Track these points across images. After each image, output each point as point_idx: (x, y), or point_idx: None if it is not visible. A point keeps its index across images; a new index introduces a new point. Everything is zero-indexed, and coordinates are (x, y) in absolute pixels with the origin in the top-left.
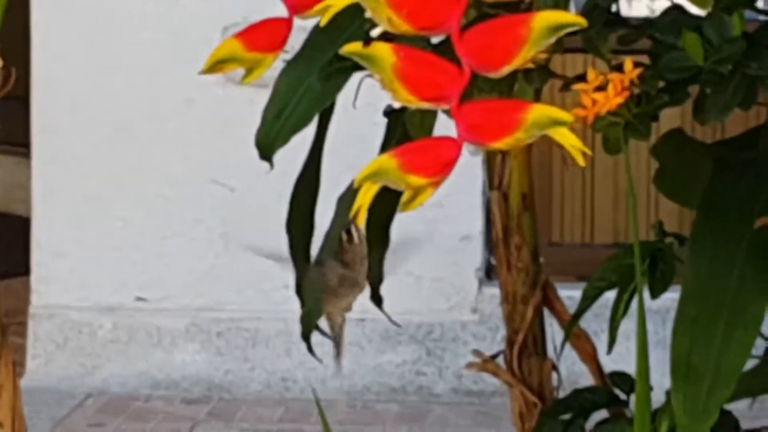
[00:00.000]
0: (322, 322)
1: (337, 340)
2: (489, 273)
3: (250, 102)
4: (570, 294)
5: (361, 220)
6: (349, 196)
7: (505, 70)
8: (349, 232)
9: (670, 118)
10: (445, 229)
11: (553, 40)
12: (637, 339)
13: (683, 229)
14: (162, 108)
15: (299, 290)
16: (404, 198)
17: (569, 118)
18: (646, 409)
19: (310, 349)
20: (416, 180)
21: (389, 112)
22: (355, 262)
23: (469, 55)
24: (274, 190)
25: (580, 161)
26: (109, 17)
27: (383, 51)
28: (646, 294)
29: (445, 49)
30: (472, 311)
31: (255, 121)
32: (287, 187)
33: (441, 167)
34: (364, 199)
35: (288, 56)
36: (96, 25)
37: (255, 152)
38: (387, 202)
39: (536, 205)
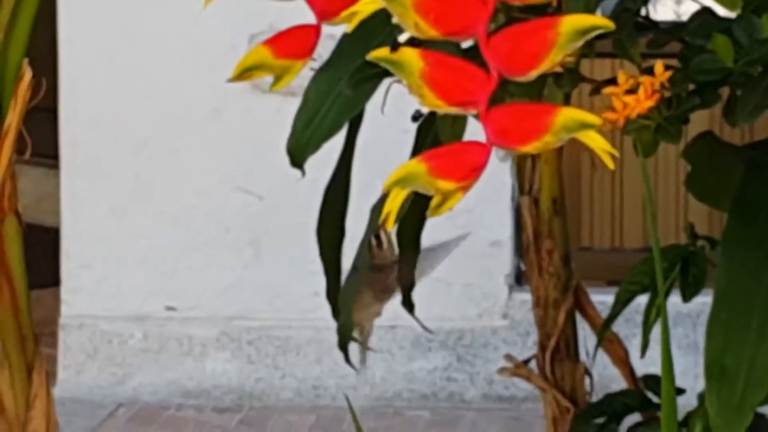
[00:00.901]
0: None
1: (363, 347)
2: (519, 278)
3: (278, 110)
4: (600, 299)
5: (391, 225)
6: (380, 205)
7: (533, 74)
8: (378, 238)
9: (697, 121)
10: (475, 234)
11: (581, 43)
12: (662, 343)
13: (713, 232)
14: (188, 118)
15: (330, 297)
16: (433, 203)
17: (598, 121)
18: (672, 412)
19: (347, 359)
20: (445, 184)
21: (417, 117)
22: (384, 267)
23: (497, 60)
24: (302, 198)
25: (609, 164)
26: (135, 29)
27: (411, 56)
28: (677, 298)
29: (474, 54)
30: (502, 317)
31: (282, 130)
32: (316, 195)
33: (470, 171)
34: (393, 205)
35: (316, 64)
36: (122, 36)
37: (283, 160)
38: (418, 208)
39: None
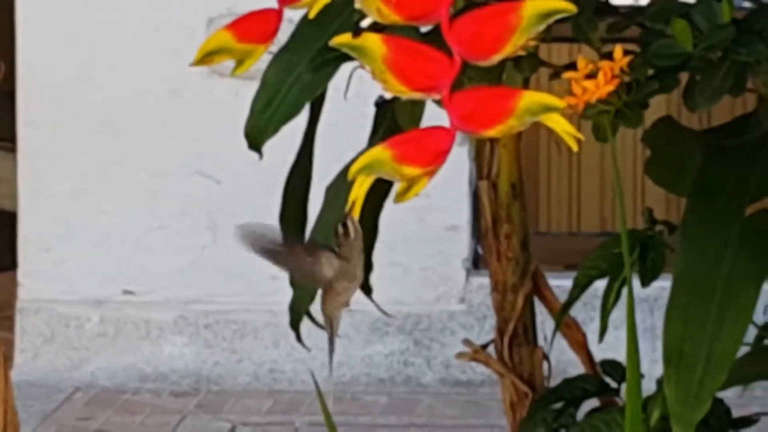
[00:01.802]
0: (312, 311)
1: (331, 337)
2: (476, 263)
3: (236, 94)
4: (557, 283)
5: (357, 212)
6: (337, 186)
7: (496, 58)
8: (345, 226)
9: (655, 106)
10: (432, 219)
11: (543, 27)
12: (627, 328)
13: (670, 217)
14: (146, 100)
15: (293, 282)
16: (399, 189)
17: (561, 104)
18: (637, 398)
19: (299, 338)
20: (411, 170)
21: (381, 104)
22: (352, 255)
23: (460, 44)
24: (260, 182)
25: (573, 147)
26: (93, 10)
27: (373, 42)
28: (636, 282)
29: (433, 38)
30: (459, 301)
31: (241, 113)
32: (273, 178)
33: (435, 157)
34: (359, 192)
35: (274, 48)
36: (80, 18)
37: (241, 144)
38: (376, 193)
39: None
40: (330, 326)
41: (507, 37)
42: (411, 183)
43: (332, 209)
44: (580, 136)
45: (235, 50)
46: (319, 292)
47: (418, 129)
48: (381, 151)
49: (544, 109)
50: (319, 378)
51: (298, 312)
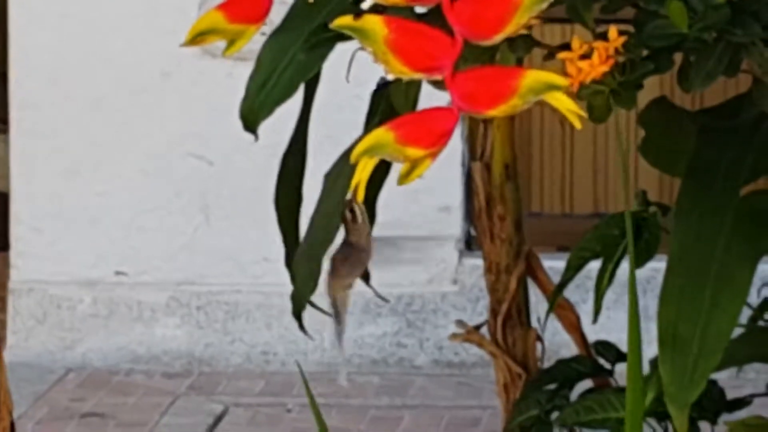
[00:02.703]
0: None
1: (339, 319)
2: (469, 244)
3: (229, 75)
4: (550, 264)
5: (361, 196)
6: (336, 171)
7: (498, 37)
8: (352, 211)
9: (648, 87)
10: (424, 200)
11: (545, 6)
12: (629, 309)
13: (663, 199)
14: (139, 81)
15: (288, 263)
16: (402, 170)
17: (564, 82)
18: (638, 379)
19: (302, 327)
20: (414, 152)
21: (382, 85)
22: (360, 240)
23: (462, 24)
24: (253, 163)
25: (577, 124)
26: None
27: (375, 23)
28: (628, 264)
29: (433, 18)
30: (452, 282)
31: (233, 94)
32: (266, 160)
33: (438, 138)
34: (362, 174)
35: (267, 29)
36: None
37: (234, 125)
38: (374, 176)
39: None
40: (335, 308)
41: (509, 17)
42: (414, 164)
43: (333, 194)
44: (583, 113)
45: (227, 30)
46: (322, 279)
47: (421, 110)
48: (384, 133)
49: (547, 87)
50: (310, 360)
51: (300, 301)
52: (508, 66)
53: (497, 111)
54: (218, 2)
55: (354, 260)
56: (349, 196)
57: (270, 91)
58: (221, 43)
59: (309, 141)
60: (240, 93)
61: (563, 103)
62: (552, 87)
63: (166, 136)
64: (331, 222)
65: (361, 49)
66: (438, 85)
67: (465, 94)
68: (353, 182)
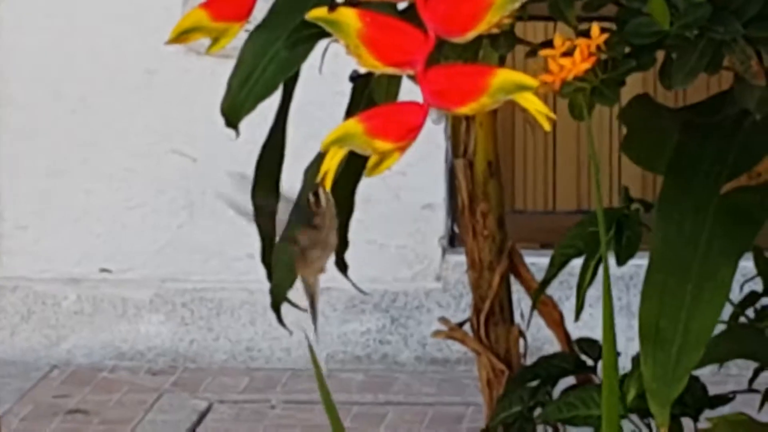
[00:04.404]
0: (291, 294)
1: (312, 302)
2: (452, 241)
3: (212, 72)
4: (534, 261)
5: (329, 184)
6: (315, 167)
7: (471, 35)
8: (316, 195)
9: (631, 84)
10: (408, 197)
11: (517, 4)
12: (603, 306)
13: (646, 196)
14: (123, 79)
15: (264, 258)
16: (370, 163)
17: (535, 83)
18: (614, 376)
19: (280, 320)
20: (382, 145)
21: (355, 78)
22: (324, 224)
23: (435, 20)
24: (236, 160)
25: (545, 126)
26: None
27: (349, 16)
28: (611, 260)
29: (410, 15)
30: (435, 279)
31: (217, 92)
32: (249, 156)
33: (407, 132)
34: (330, 164)
35: (250, 26)
36: None
37: (217, 122)
38: (352, 169)
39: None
40: (308, 293)
41: (481, 14)
42: (382, 157)
43: (310, 189)
44: (552, 115)
45: (210, 28)
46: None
47: (391, 104)
48: (353, 125)
49: (517, 87)
50: (294, 356)
51: (278, 295)
52: (480, 64)
53: (467, 108)
54: (202, 0)
55: (321, 243)
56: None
57: (252, 88)
58: (205, 41)
59: (290, 138)
60: (223, 90)
61: (533, 103)
62: (522, 87)
63: (150, 133)
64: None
65: (335, 41)
66: (415, 80)
67: (435, 91)
68: (321, 170)
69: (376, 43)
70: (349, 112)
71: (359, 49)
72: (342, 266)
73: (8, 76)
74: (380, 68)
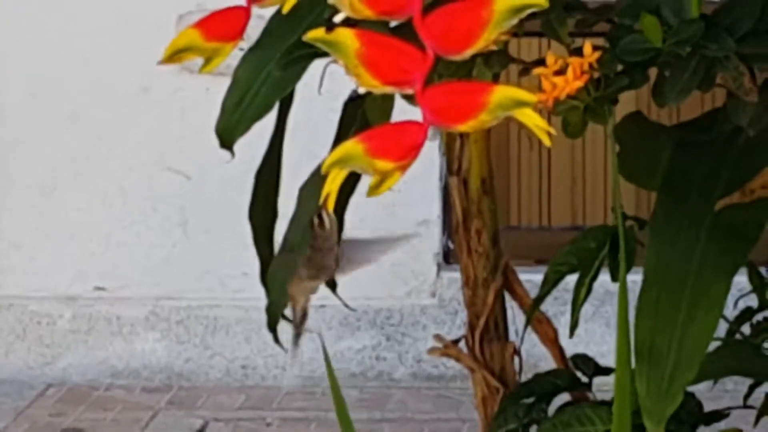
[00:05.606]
0: (288, 312)
1: (297, 323)
2: (447, 257)
3: (206, 90)
4: (528, 277)
5: (331, 206)
6: (310, 185)
7: (468, 52)
8: (320, 217)
9: (624, 101)
10: (403, 214)
11: (515, 21)
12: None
13: (640, 213)
14: (117, 96)
15: (263, 278)
16: (372, 183)
17: (533, 99)
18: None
19: (276, 339)
20: (383, 164)
21: (354, 99)
22: (324, 247)
23: (432, 39)
24: (231, 178)
25: (546, 141)
26: (64, 4)
27: (346, 36)
28: (606, 277)
29: (404, 33)
30: (431, 295)
31: (211, 110)
32: (244, 174)
33: (407, 151)
34: (332, 185)
35: (244, 44)
36: (51, 12)
37: (212, 140)
38: (343, 187)
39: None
40: (294, 311)
41: (479, 32)
42: (384, 177)
43: (306, 207)
44: (552, 130)
45: (203, 48)
46: None
47: (391, 123)
48: (354, 145)
49: (516, 103)
50: (289, 374)
51: (275, 314)
52: (479, 81)
53: (466, 126)
54: (196, 17)
55: (318, 264)
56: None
57: (246, 109)
58: (199, 59)
59: (286, 157)
60: (218, 108)
61: (532, 119)
62: (521, 103)
63: (144, 150)
64: (304, 235)
65: (334, 62)
66: (409, 99)
67: (435, 109)
68: (323, 193)
69: (374, 63)
70: (340, 132)
71: (358, 69)
72: (331, 284)
73: (1, 92)
74: (379, 88)
